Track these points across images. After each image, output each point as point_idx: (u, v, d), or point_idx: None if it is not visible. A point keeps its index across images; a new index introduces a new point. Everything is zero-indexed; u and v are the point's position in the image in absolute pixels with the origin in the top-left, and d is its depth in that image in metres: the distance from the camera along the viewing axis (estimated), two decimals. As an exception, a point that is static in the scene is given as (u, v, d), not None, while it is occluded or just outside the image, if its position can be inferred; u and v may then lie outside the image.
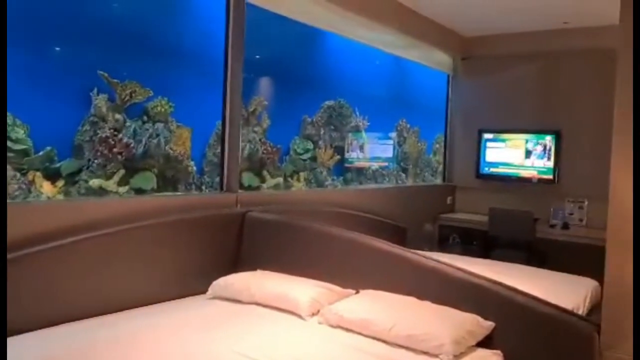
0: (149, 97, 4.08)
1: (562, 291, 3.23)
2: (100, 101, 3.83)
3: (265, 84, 5.35)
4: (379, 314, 2.47)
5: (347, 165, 6.10)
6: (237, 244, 3.29)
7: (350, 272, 2.95)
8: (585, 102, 5.18)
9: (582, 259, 3.79)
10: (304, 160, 5.57)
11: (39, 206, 2.81)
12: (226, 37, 3.46)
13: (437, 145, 7.24)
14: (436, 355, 2.22)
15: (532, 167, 5.50)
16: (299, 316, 2.63)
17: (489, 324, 2.45)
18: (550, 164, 5.40)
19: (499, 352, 2.39)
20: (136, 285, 2.75)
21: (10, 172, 3.27)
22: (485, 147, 5.77)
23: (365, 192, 5.09)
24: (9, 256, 2.15)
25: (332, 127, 5.91)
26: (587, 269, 3.45)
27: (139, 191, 3.91)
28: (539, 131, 5.47)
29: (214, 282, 2.94)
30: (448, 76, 6.15)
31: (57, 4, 3.69)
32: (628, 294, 2.18)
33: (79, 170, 3.74)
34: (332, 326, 2.52)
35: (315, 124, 5.79)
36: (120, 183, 3.81)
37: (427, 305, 2.59)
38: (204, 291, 2.94)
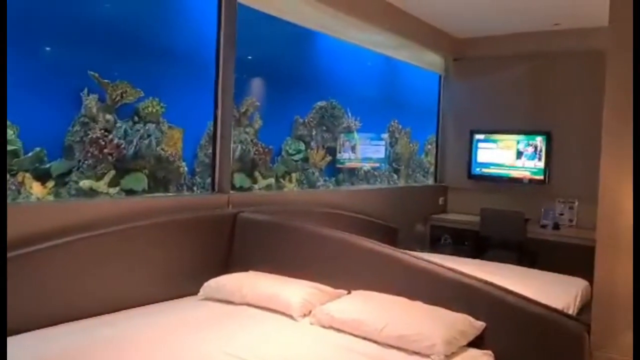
0: (140, 98, 4.06)
1: (553, 291, 3.25)
2: (90, 101, 3.81)
3: (257, 85, 5.35)
4: (370, 314, 2.47)
5: (339, 166, 6.11)
6: (229, 245, 3.28)
7: (342, 273, 2.95)
8: (576, 103, 5.21)
9: (573, 259, 3.81)
10: (296, 161, 5.56)
11: (31, 207, 2.80)
12: (218, 38, 3.45)
13: (429, 146, 7.27)
14: (428, 356, 2.22)
15: (523, 167, 5.53)
16: (291, 317, 2.63)
17: (480, 324, 2.46)
18: (541, 164, 5.43)
19: (489, 352, 2.39)
20: (128, 286, 2.74)
21: (-1, 173, 3.24)
22: (476, 147, 5.79)
23: (357, 192, 5.09)
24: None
25: (324, 128, 5.91)
26: (578, 269, 3.47)
27: (130, 192, 3.89)
28: (530, 132, 5.50)
29: (206, 283, 2.92)
30: (440, 77, 6.16)
31: (47, 4, 3.67)
32: (617, 293, 2.20)
33: (69, 171, 3.72)
34: (323, 327, 2.52)
35: (307, 125, 5.79)
36: (111, 184, 3.80)
37: (419, 305, 2.59)
38: (195, 292, 2.93)
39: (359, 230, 3.47)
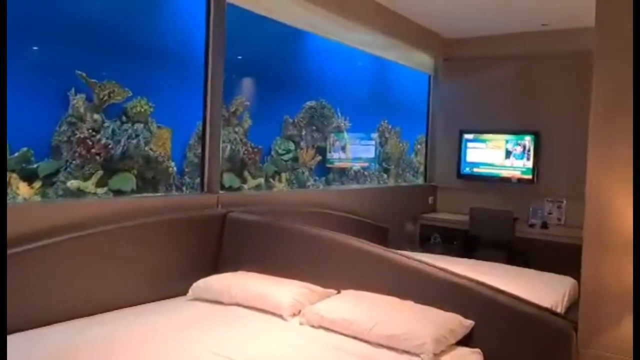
0: (128, 98, 4.04)
1: (541, 289, 3.27)
2: (78, 101, 3.79)
3: (246, 84, 5.34)
4: (360, 313, 2.47)
5: (328, 165, 6.11)
6: (218, 245, 3.27)
7: (332, 273, 2.95)
8: (564, 103, 5.25)
9: (561, 258, 3.83)
10: (286, 160, 5.56)
11: (19, 207, 2.77)
12: (207, 37, 3.43)
13: (419, 146, 7.29)
14: (417, 354, 2.23)
15: (512, 167, 5.56)
16: (280, 316, 2.62)
17: (469, 323, 2.47)
18: (530, 164, 5.47)
19: (478, 350, 2.41)
20: (117, 286, 2.72)
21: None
22: (466, 147, 5.82)
23: (347, 192, 5.10)
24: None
25: (314, 128, 5.91)
26: (566, 268, 3.49)
27: (118, 192, 3.87)
28: (519, 132, 5.53)
29: (195, 284, 2.91)
30: (429, 77, 6.18)
31: (35, 3, 3.64)
32: (604, 292, 2.22)
33: (57, 172, 3.69)
34: (313, 326, 2.52)
35: (296, 125, 5.79)
36: (99, 184, 3.77)
37: (408, 304, 2.60)
38: (184, 292, 2.92)
39: (349, 230, 3.47)
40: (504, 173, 5.60)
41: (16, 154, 3.48)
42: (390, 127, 6.96)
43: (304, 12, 4.15)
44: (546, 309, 2.53)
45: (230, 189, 4.78)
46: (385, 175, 6.81)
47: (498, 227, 5.09)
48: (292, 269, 2.99)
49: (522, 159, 5.52)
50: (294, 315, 2.64)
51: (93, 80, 3.87)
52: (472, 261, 4.30)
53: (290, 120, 5.75)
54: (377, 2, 4.66)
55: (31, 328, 2.31)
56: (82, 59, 3.86)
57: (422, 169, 6.67)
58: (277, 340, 2.36)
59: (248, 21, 4.23)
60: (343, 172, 6.27)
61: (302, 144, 5.75)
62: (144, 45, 4.23)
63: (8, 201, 3.27)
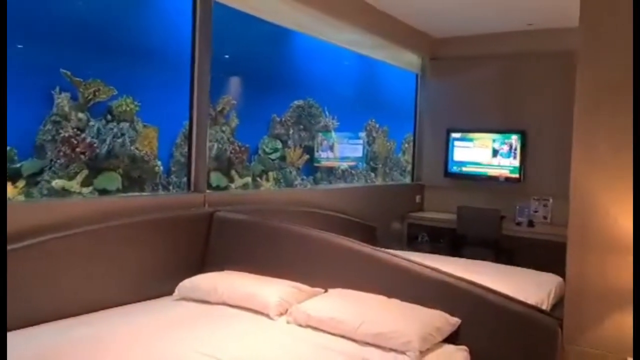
0: (113, 96, 4.00)
1: (528, 287, 3.29)
2: (62, 100, 3.75)
3: (234, 84, 5.32)
4: (347, 312, 2.47)
5: (316, 164, 6.11)
6: (205, 244, 3.25)
7: (320, 272, 2.94)
8: (550, 103, 5.29)
9: (547, 256, 3.86)
10: (273, 159, 5.55)
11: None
12: (193, 36, 3.41)
13: (406, 145, 7.31)
14: (403, 352, 2.23)
15: (499, 166, 5.59)
16: (267, 316, 2.61)
17: (456, 320, 2.48)
18: (516, 162, 5.50)
19: (464, 347, 2.42)
20: (102, 287, 2.70)
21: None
22: (453, 146, 5.84)
23: (335, 191, 5.09)
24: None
25: (302, 127, 5.91)
26: (552, 265, 3.52)
27: (104, 192, 3.84)
28: (505, 131, 5.56)
29: (181, 283, 2.89)
30: (416, 76, 6.20)
31: (19, 1, 3.59)
32: (589, 289, 2.24)
33: (41, 171, 3.65)
34: (300, 325, 2.51)
35: (284, 124, 5.78)
36: (84, 184, 3.73)
37: (395, 302, 2.60)
38: (171, 293, 2.89)
39: (337, 229, 3.47)
40: (491, 172, 5.63)
41: (-1, 153, 3.43)
42: (377, 126, 6.98)
43: (290, 11, 4.14)
44: (532, 307, 2.55)
45: (218, 188, 4.76)
46: (372, 175, 6.83)
47: (485, 226, 5.12)
48: (279, 269, 2.98)
49: (508, 157, 5.55)
50: (281, 314, 2.63)
51: (78, 79, 3.83)
52: (460, 260, 4.31)
53: (278, 119, 5.74)
54: (363, 1, 4.66)
55: (15, 329, 2.28)
56: (67, 57, 3.83)
57: (409, 168, 6.69)
58: (264, 340, 2.35)
59: (236, 20, 4.21)
60: (331, 171, 6.27)
61: (290, 143, 5.75)
62: (129, 44, 4.20)
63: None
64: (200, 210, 3.32)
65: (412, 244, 5.61)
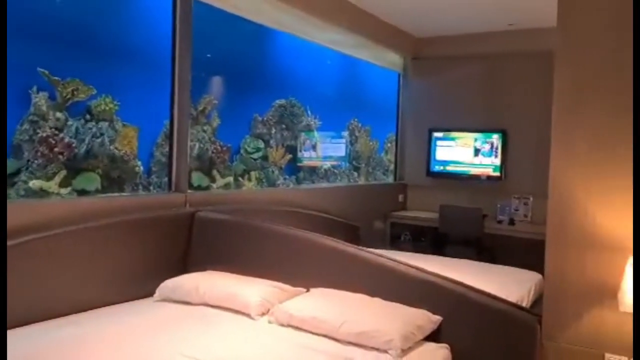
0: (92, 95, 3.95)
1: (509, 284, 3.33)
2: (40, 99, 3.69)
3: (215, 83, 5.28)
4: (329, 311, 2.47)
5: (299, 164, 6.10)
6: (187, 244, 3.22)
7: (302, 271, 2.94)
8: (530, 102, 5.34)
9: (528, 253, 3.90)
10: (255, 159, 5.53)
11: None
12: (173, 35, 3.38)
13: (389, 144, 7.34)
14: (385, 351, 2.24)
15: (481, 164, 5.64)
16: (249, 316, 2.60)
17: (437, 318, 2.49)
18: (498, 161, 5.56)
19: (446, 345, 2.43)
20: (82, 288, 2.66)
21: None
22: (435, 145, 5.87)
23: (318, 191, 5.09)
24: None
25: (284, 126, 5.89)
26: (532, 263, 3.55)
27: (82, 192, 3.78)
28: (487, 130, 5.61)
29: (162, 284, 2.86)
30: (399, 75, 6.22)
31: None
32: (567, 286, 2.27)
33: (18, 171, 3.59)
34: (282, 325, 2.51)
35: (266, 123, 5.76)
36: (62, 184, 3.68)
37: (377, 301, 2.61)
38: (152, 294, 2.87)
39: (320, 228, 3.47)
40: (473, 171, 5.67)
41: (-26, 154, 3.37)
42: (360, 125, 6.99)
43: (272, 10, 4.12)
44: (512, 304, 2.57)
45: (199, 188, 4.72)
46: (355, 174, 6.84)
47: (468, 224, 5.15)
48: (262, 269, 2.97)
49: (490, 156, 5.60)
50: (263, 314, 2.62)
51: (56, 78, 3.77)
52: (442, 258, 4.34)
53: (260, 119, 5.72)
54: (346, 0, 4.66)
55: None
56: (45, 56, 3.77)
57: (392, 167, 6.72)
58: (246, 340, 2.34)
59: (217, 19, 4.18)
60: (313, 170, 6.27)
61: (272, 142, 5.73)
62: (109, 42, 4.14)
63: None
64: (181, 211, 3.29)
65: (395, 243, 5.63)
